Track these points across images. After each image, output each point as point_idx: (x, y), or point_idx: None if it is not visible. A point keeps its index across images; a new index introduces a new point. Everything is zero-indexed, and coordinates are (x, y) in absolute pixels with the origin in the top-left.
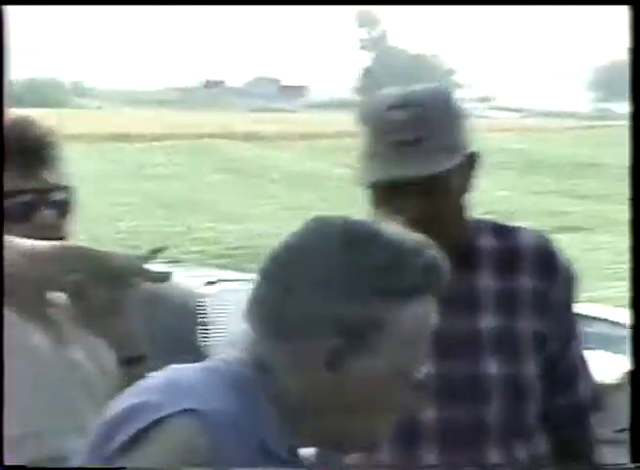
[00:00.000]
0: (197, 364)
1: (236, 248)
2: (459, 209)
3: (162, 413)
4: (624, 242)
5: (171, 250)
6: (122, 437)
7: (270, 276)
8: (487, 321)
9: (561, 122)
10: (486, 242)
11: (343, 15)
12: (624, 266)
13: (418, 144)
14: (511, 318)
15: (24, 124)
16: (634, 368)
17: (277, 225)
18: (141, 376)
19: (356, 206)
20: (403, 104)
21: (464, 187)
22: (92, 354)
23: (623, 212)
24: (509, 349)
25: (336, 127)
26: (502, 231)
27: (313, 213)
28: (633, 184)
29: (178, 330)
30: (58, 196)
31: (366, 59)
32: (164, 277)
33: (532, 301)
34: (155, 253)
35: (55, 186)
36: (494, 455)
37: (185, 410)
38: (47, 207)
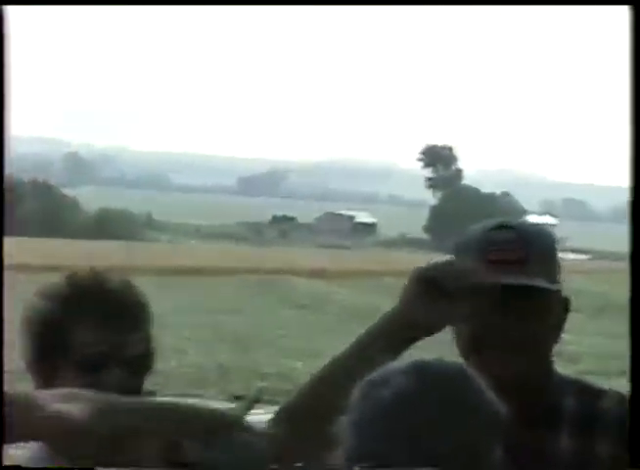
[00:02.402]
0: None
1: (300, 383)
2: (548, 350)
3: None
4: None
5: (237, 386)
6: None
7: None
8: None
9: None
10: (568, 401)
11: (411, 150)
12: None
13: (522, 263)
14: None
15: (110, 278)
16: (633, 369)
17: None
18: None
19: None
20: (509, 225)
21: (556, 329)
22: None
23: None
24: None
25: (402, 265)
26: (585, 391)
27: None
28: (634, 192)
29: None
30: (133, 353)
31: (436, 197)
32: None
33: (604, 467)
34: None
35: (132, 343)
36: None
37: None
38: (119, 364)
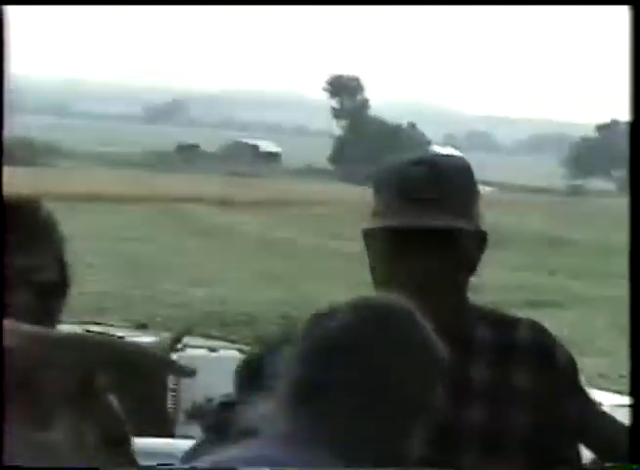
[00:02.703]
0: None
1: (204, 313)
2: (463, 284)
3: None
4: (593, 318)
5: (139, 314)
6: None
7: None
8: (474, 412)
9: (535, 197)
10: (482, 331)
11: (319, 82)
12: (596, 343)
13: (437, 201)
14: (499, 411)
15: (20, 203)
16: (633, 370)
17: (245, 291)
18: (125, 457)
19: (323, 274)
20: (425, 162)
21: (472, 262)
22: (73, 436)
23: (593, 289)
24: (496, 443)
25: (307, 195)
26: (500, 321)
27: (281, 280)
28: (632, 200)
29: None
30: (41, 278)
31: (341, 128)
32: (191, 372)
33: (525, 394)
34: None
35: (44, 267)
36: None
37: None
38: (26, 288)
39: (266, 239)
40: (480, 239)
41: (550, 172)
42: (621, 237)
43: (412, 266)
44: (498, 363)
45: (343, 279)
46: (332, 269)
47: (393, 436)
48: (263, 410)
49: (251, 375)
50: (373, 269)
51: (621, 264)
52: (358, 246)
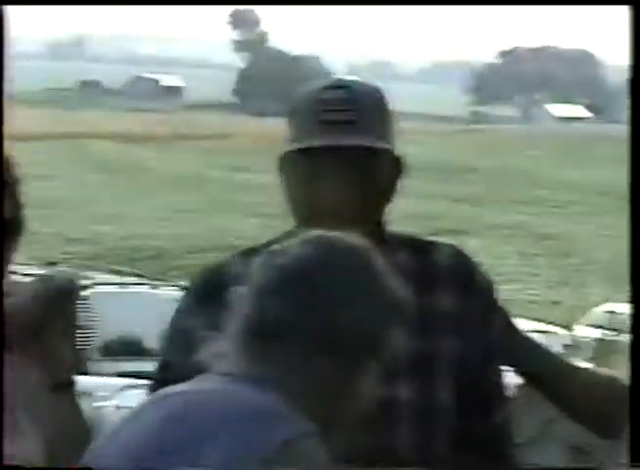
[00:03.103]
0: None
1: (112, 249)
2: (381, 209)
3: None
4: (497, 245)
5: (45, 251)
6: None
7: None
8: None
9: (438, 126)
10: (402, 258)
11: (220, 15)
12: (501, 269)
13: (354, 123)
14: (425, 338)
15: None
16: (634, 369)
17: (152, 226)
18: (69, 401)
19: (230, 207)
20: (340, 85)
21: (389, 186)
22: (14, 378)
23: (498, 216)
24: (421, 370)
25: (211, 129)
26: (418, 246)
27: (189, 215)
28: (632, 191)
29: None
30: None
31: (243, 60)
32: (70, 285)
33: (449, 320)
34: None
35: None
36: None
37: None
38: None
39: (172, 173)
40: (397, 163)
41: (453, 100)
42: (523, 163)
43: (330, 190)
44: (421, 289)
45: (252, 212)
46: (239, 202)
47: (348, 374)
48: (216, 347)
49: (204, 295)
50: (290, 197)
51: (523, 191)
52: (265, 178)
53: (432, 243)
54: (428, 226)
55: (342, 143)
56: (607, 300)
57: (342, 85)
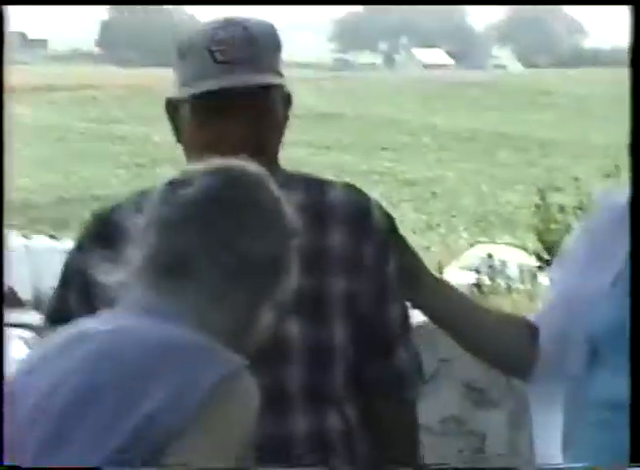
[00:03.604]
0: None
1: None
2: (276, 147)
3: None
4: (367, 192)
5: None
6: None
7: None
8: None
9: (301, 72)
10: (296, 196)
11: None
12: None
13: (249, 61)
14: (319, 277)
15: None
16: (634, 369)
17: (18, 178)
18: None
19: (98, 158)
20: (232, 23)
21: (282, 124)
22: None
23: (363, 163)
24: (315, 310)
25: (77, 80)
26: (313, 185)
27: (56, 166)
28: (633, 190)
29: None
30: None
31: (107, 10)
32: None
33: (342, 258)
34: None
35: None
36: (301, 423)
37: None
38: None
39: (39, 125)
40: (288, 98)
41: (317, 47)
42: (388, 110)
43: (228, 130)
44: (315, 227)
45: (120, 163)
46: (108, 153)
47: (253, 305)
48: (118, 277)
49: (101, 232)
50: (185, 140)
51: (388, 137)
52: (135, 129)
53: (327, 181)
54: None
55: (241, 83)
56: (473, 244)
57: (234, 23)
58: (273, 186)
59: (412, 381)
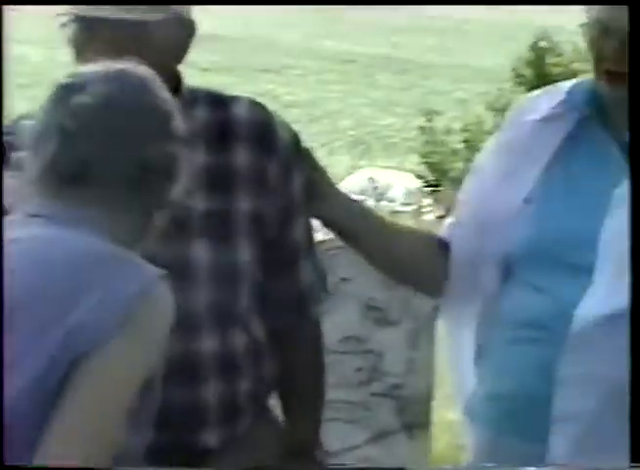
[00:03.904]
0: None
1: None
2: (167, 69)
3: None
4: None
5: None
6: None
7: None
8: (196, 201)
9: None
10: (200, 113)
11: None
12: None
13: None
14: (223, 197)
15: None
16: (633, 364)
17: None
18: None
19: None
20: None
21: (173, 47)
22: None
23: (243, 85)
24: (220, 230)
25: None
26: (217, 101)
27: None
28: (633, 190)
29: None
30: None
31: None
32: None
33: (247, 176)
34: None
35: None
36: (209, 343)
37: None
38: None
39: None
40: (188, 28)
41: None
42: (269, 32)
43: (117, 45)
44: (218, 145)
45: None
46: None
47: (148, 211)
48: (12, 185)
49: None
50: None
51: (269, 60)
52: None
53: (232, 97)
54: None
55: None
56: (355, 167)
57: None
58: (161, 89)
59: (316, 296)
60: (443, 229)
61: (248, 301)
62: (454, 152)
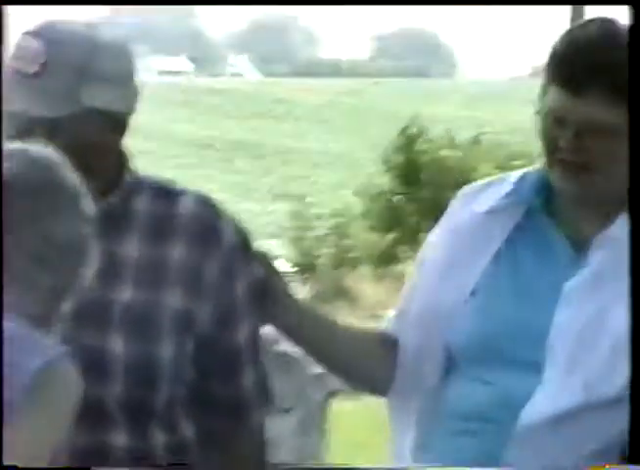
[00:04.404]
0: None
1: None
2: (94, 163)
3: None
4: None
5: None
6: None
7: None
8: (122, 293)
9: None
10: (142, 203)
11: None
12: None
13: (39, 78)
14: (151, 291)
15: None
16: (633, 367)
17: None
18: None
19: None
20: (39, 32)
21: (101, 140)
22: None
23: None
24: (142, 325)
25: None
26: (162, 192)
27: None
28: (633, 190)
29: None
30: None
31: None
32: None
33: (181, 273)
34: None
35: None
36: (122, 438)
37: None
38: None
39: None
40: (115, 119)
41: None
42: (133, 117)
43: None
44: (154, 238)
45: None
46: None
47: (57, 289)
48: None
49: None
50: None
51: (134, 143)
52: None
53: (179, 190)
54: None
55: (29, 111)
56: None
57: (44, 33)
58: (67, 169)
59: (257, 403)
60: (387, 322)
61: (171, 399)
62: (322, 237)
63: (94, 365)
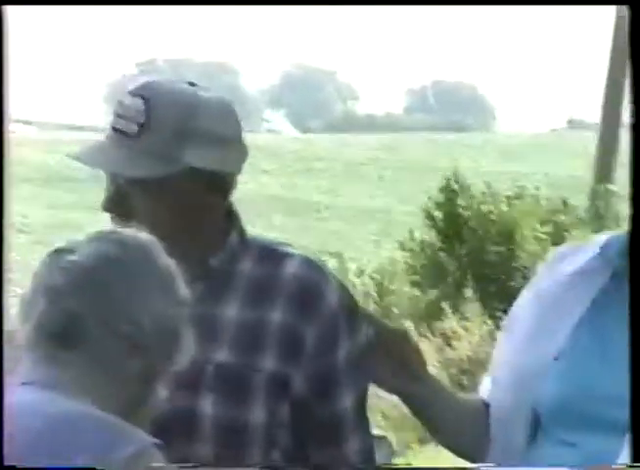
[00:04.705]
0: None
1: None
2: (197, 223)
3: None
4: None
5: None
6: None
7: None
8: (219, 355)
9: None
10: (246, 265)
11: None
12: None
13: (137, 138)
14: (247, 355)
15: None
16: (633, 368)
17: None
18: None
19: None
20: (141, 92)
21: (203, 200)
22: None
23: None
24: (234, 388)
25: None
26: (268, 254)
27: None
28: (633, 191)
29: None
30: None
31: None
32: None
33: (279, 338)
34: None
35: None
36: None
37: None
38: None
39: None
40: (212, 176)
41: (90, 110)
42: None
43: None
44: (255, 300)
45: None
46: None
47: (149, 374)
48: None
49: None
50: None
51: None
52: None
53: (285, 252)
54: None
55: (123, 171)
56: None
57: (143, 92)
58: (161, 253)
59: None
60: (482, 388)
61: (256, 460)
62: (363, 293)
63: (183, 426)
